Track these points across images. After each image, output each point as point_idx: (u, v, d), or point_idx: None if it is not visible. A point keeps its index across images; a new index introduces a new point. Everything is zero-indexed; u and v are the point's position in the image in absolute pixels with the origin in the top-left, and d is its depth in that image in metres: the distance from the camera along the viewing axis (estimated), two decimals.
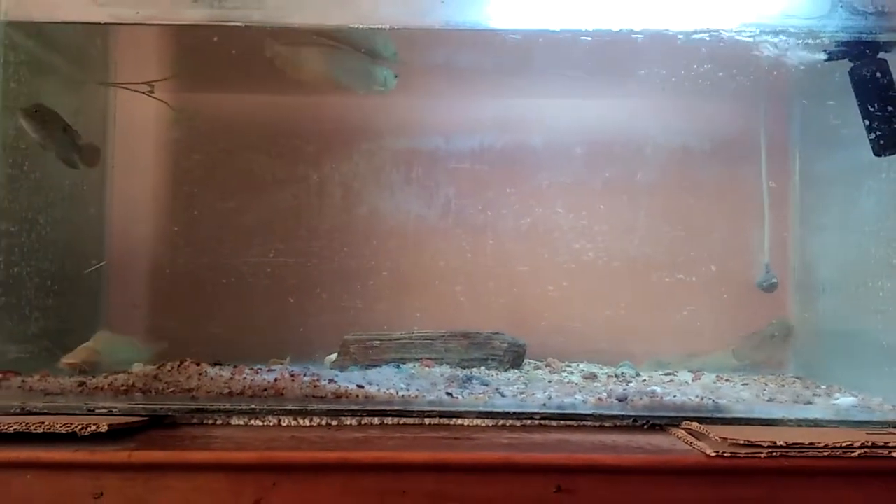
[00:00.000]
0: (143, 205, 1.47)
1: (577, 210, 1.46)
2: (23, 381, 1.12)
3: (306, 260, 1.44)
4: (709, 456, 0.89)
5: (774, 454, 0.89)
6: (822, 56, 1.20)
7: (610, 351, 1.41)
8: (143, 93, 1.39)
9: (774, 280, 1.39)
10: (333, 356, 1.32)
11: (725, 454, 0.89)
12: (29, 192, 1.23)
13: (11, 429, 0.94)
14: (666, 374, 1.32)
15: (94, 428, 0.94)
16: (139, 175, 1.48)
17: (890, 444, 0.89)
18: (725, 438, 0.91)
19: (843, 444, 0.89)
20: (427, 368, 1.26)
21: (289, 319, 1.43)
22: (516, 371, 1.30)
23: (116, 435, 0.96)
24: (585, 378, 1.25)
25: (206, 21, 1.17)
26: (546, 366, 1.36)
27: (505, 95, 1.50)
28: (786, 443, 0.89)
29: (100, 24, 1.23)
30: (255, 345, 1.39)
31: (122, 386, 1.10)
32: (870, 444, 0.89)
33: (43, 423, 0.95)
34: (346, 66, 1.34)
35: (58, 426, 0.94)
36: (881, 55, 1.16)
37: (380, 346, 1.30)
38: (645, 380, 1.25)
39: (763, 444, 0.89)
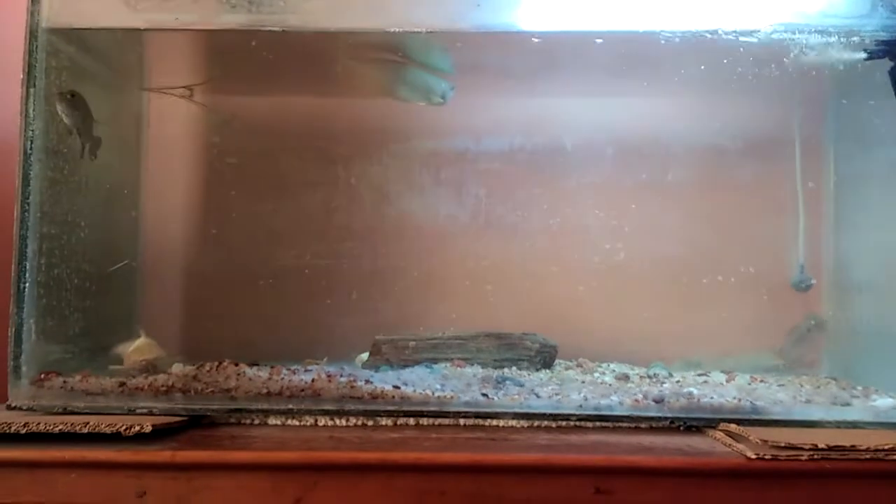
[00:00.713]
0: (177, 207, 1.49)
1: (608, 210, 1.46)
2: (64, 381, 1.14)
3: (340, 261, 1.45)
4: (749, 458, 0.89)
5: (816, 457, 0.88)
6: (862, 55, 1.19)
7: (640, 351, 1.40)
8: (183, 97, 1.41)
9: (813, 281, 1.38)
10: (364, 356, 1.33)
11: (766, 456, 0.88)
12: (70, 196, 1.25)
13: (57, 429, 0.96)
14: (699, 375, 1.31)
15: (138, 428, 0.96)
16: (173, 178, 1.50)
17: None
18: (766, 441, 0.91)
19: (886, 447, 0.89)
20: (459, 369, 1.26)
21: (322, 320, 1.44)
22: (548, 372, 1.30)
23: (158, 435, 0.98)
24: (618, 379, 1.24)
25: (243, 26, 1.19)
26: (577, 366, 1.36)
27: (535, 96, 1.50)
28: (827, 445, 0.89)
29: (139, 30, 1.26)
30: (288, 345, 1.40)
31: (163, 386, 1.12)
32: None
33: (88, 423, 0.97)
34: (406, 79, 1.35)
35: (102, 426, 0.96)
36: None
37: (412, 346, 1.30)
38: (679, 381, 1.24)
39: (804, 446, 0.89)
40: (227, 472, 0.91)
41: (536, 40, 1.29)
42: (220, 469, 0.91)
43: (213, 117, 1.45)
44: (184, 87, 1.41)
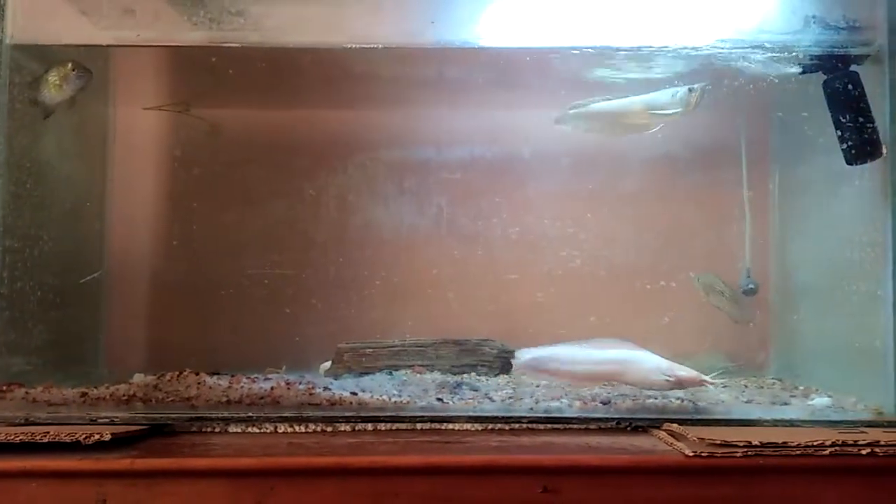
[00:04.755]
0: (142, 219, 1.51)
1: (565, 219, 1.50)
2: (26, 392, 1.16)
3: (301, 271, 1.47)
4: (687, 456, 0.93)
5: (750, 453, 0.93)
6: (797, 69, 1.24)
7: None
8: (179, 111, 1.44)
9: (751, 286, 1.43)
10: (328, 364, 1.36)
11: (703, 454, 0.92)
12: (32, 210, 1.27)
13: (18, 439, 0.97)
14: None
15: (97, 437, 0.97)
16: (138, 189, 1.52)
17: (860, 442, 0.93)
18: (703, 439, 0.95)
19: (815, 443, 0.93)
20: (419, 375, 1.29)
21: (285, 329, 1.47)
22: (506, 376, 1.33)
23: (119, 443, 0.99)
24: None
25: (204, 43, 1.22)
26: None
27: (494, 108, 1.54)
28: (760, 442, 0.93)
29: (102, 46, 1.28)
30: (251, 354, 1.42)
31: (124, 396, 1.14)
32: (840, 442, 0.93)
33: (48, 432, 0.98)
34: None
35: (62, 436, 0.98)
36: (853, 68, 1.20)
37: (373, 353, 1.33)
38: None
39: (739, 443, 0.93)
40: (185, 478, 0.93)
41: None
42: (179, 476, 0.93)
43: (208, 128, 1.46)
44: (179, 102, 1.44)
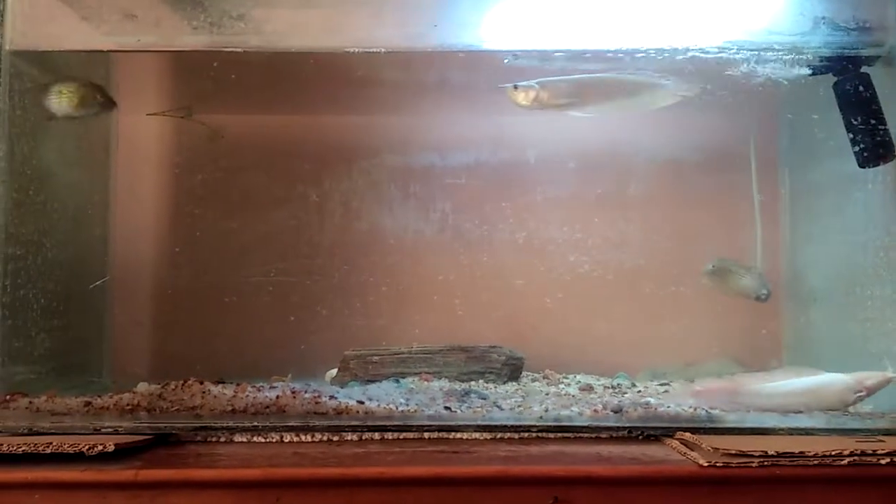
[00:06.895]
0: (145, 225, 1.50)
1: (572, 223, 1.49)
2: (30, 402, 1.14)
3: (307, 277, 1.46)
4: (701, 466, 0.91)
5: (766, 463, 0.91)
6: (807, 71, 1.23)
7: (606, 362, 1.43)
8: (182, 117, 1.43)
9: (764, 291, 1.41)
10: (334, 372, 1.34)
11: (718, 464, 0.90)
12: (35, 217, 1.26)
13: (20, 450, 0.96)
14: (661, 385, 1.34)
15: (101, 448, 0.96)
16: (142, 196, 1.51)
17: (879, 452, 0.91)
18: (717, 448, 0.93)
19: (833, 453, 0.91)
20: (426, 383, 1.28)
21: (290, 336, 1.46)
22: (514, 384, 1.31)
23: (123, 454, 0.98)
24: (582, 390, 1.27)
25: (204, 47, 1.21)
26: (543, 378, 1.38)
27: (498, 112, 1.53)
28: (777, 452, 0.91)
29: (103, 51, 1.27)
30: (257, 362, 1.41)
31: (128, 405, 1.13)
32: (859, 452, 0.91)
33: (51, 443, 0.97)
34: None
35: (65, 446, 0.96)
36: (863, 69, 1.18)
37: (379, 361, 1.32)
38: (640, 390, 1.27)
39: (754, 453, 0.91)
40: (189, 489, 0.92)
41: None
42: (183, 487, 0.92)
43: (211, 133, 1.45)
44: (181, 107, 1.43)
